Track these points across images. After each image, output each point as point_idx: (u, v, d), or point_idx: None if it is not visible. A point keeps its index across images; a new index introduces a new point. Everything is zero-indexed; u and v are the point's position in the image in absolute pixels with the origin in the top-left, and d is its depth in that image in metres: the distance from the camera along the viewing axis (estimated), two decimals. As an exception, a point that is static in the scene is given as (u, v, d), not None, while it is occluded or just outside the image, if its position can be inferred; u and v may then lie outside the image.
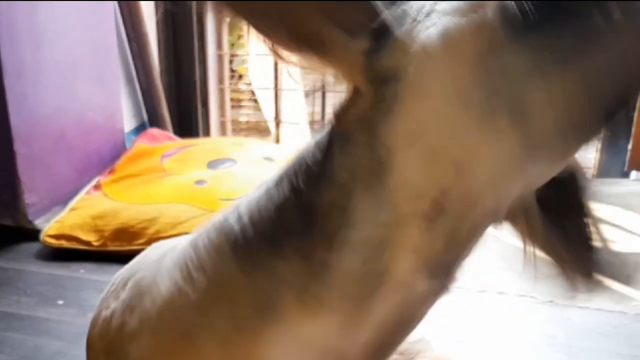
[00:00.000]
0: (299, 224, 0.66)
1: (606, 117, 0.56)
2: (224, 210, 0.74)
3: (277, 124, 3.23)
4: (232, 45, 3.54)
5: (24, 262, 1.97)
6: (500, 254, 2.02)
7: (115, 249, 1.99)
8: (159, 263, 0.79)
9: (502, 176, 0.60)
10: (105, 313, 0.86)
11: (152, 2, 2.94)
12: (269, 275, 0.67)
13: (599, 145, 3.19)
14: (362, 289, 0.65)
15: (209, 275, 0.71)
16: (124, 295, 0.83)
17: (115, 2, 2.71)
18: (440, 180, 0.60)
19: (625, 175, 3.04)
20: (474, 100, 0.56)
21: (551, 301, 1.74)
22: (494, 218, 0.65)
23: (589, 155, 3.51)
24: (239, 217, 0.70)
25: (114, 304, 0.85)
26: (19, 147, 2.10)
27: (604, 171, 3.14)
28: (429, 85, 0.58)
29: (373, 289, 0.65)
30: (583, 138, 0.59)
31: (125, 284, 0.84)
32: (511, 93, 0.55)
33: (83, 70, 2.41)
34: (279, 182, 0.69)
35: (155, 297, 0.76)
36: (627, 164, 3.02)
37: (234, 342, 0.69)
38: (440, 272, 0.67)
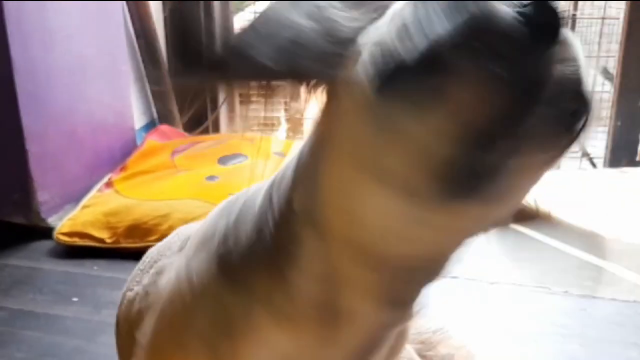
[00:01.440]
0: (270, 243, 0.68)
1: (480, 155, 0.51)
2: (214, 216, 0.78)
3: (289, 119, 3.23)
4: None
5: (38, 260, 1.98)
6: (513, 245, 2.03)
7: (128, 246, 2.00)
8: (172, 257, 0.81)
9: (398, 225, 0.58)
10: (130, 295, 0.91)
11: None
12: (247, 292, 0.69)
13: (610, 136, 3.19)
14: (324, 314, 0.67)
15: (198, 287, 0.74)
16: (145, 279, 0.86)
17: (124, 1, 2.72)
18: (346, 230, 0.61)
19: (636, 165, 3.03)
20: (357, 154, 0.56)
21: (565, 292, 1.74)
22: (436, 261, 0.64)
23: (599, 144, 3.50)
24: (225, 229, 0.73)
25: (136, 288, 0.90)
26: (30, 145, 2.10)
27: (614, 161, 3.13)
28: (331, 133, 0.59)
29: (334, 316, 0.67)
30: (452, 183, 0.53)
31: (151, 267, 0.87)
32: (372, 148, 0.54)
33: (93, 69, 2.41)
34: (262, 197, 0.71)
35: (160, 293, 0.79)
36: (638, 154, 3.02)
37: (219, 348, 0.72)
38: (398, 304, 0.67)
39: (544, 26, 0.48)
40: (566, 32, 0.52)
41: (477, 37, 0.47)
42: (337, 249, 0.63)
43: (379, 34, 0.53)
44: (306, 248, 0.65)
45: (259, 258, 0.68)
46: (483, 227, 0.62)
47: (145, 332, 0.81)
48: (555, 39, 0.49)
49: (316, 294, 0.66)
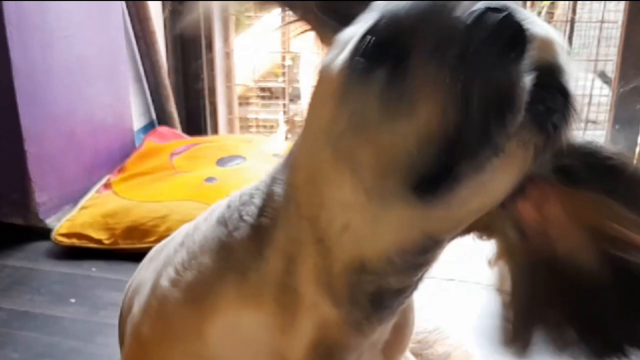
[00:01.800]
0: (256, 216, 0.70)
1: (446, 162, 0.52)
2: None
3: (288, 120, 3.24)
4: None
5: (36, 261, 1.99)
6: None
7: (126, 247, 2.00)
8: (168, 251, 0.82)
9: (357, 218, 0.60)
10: (133, 284, 0.91)
11: (159, 1, 2.94)
12: (225, 259, 0.71)
13: (608, 140, 3.19)
14: (285, 297, 0.68)
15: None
16: (144, 272, 0.86)
17: (123, 2, 2.72)
18: (312, 207, 0.62)
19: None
20: (332, 139, 0.57)
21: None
22: (396, 259, 0.63)
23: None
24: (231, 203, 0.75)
25: (138, 277, 0.90)
26: (29, 146, 2.10)
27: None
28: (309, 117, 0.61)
29: (295, 302, 0.68)
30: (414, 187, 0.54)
31: (150, 260, 0.88)
32: (343, 137, 0.55)
33: (92, 70, 2.42)
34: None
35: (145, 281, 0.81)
36: (636, 157, 3.02)
37: (187, 316, 0.73)
38: (353, 306, 0.67)
39: (508, 39, 0.48)
40: (544, 34, 0.53)
41: (443, 41, 0.49)
42: (304, 231, 0.64)
43: (356, 28, 0.56)
44: (282, 227, 0.67)
45: (244, 230, 0.70)
46: (448, 231, 0.63)
47: (130, 320, 0.82)
48: (521, 49, 0.49)
49: (281, 275, 0.67)
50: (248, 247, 0.69)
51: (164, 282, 0.76)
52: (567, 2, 3.68)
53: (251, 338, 0.71)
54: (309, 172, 0.62)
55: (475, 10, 0.48)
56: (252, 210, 0.71)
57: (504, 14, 0.48)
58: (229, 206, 0.74)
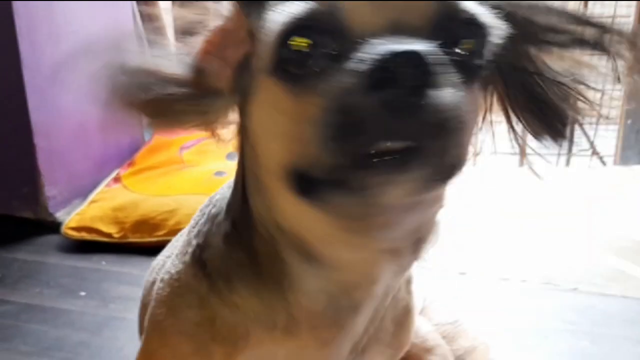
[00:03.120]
0: (245, 261, 0.72)
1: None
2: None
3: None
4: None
5: (45, 255, 1.98)
6: (522, 242, 2.02)
7: (135, 241, 1.99)
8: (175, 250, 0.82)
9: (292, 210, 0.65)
10: (147, 281, 0.95)
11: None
12: (234, 312, 0.72)
13: (620, 134, 3.17)
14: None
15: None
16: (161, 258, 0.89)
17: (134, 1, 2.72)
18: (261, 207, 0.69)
19: (647, 162, 3.02)
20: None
21: (575, 289, 1.73)
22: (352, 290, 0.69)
23: (610, 143, 3.48)
24: (198, 246, 0.77)
25: (153, 275, 0.91)
26: (39, 140, 2.11)
27: (624, 159, 3.11)
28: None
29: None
30: None
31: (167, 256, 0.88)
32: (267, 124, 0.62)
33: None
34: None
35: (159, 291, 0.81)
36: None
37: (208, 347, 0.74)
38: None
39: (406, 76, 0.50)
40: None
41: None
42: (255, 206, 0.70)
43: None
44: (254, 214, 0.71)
45: (235, 274, 0.73)
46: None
47: (147, 319, 0.81)
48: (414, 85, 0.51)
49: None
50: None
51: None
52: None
53: None
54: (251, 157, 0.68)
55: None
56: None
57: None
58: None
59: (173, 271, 0.78)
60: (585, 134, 3.59)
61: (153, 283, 0.88)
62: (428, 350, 1.00)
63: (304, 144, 0.55)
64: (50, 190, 2.17)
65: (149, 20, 2.79)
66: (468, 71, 0.57)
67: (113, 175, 2.40)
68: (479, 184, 2.39)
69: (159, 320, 0.77)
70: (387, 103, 0.50)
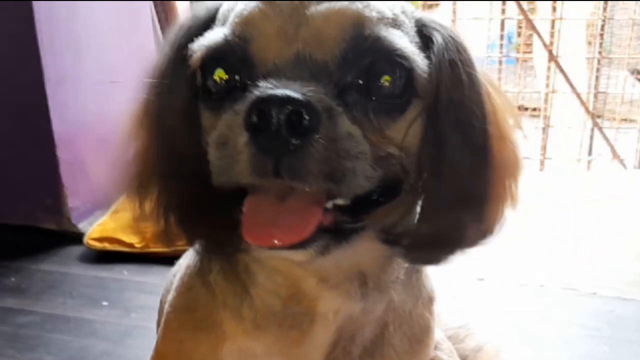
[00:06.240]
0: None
1: None
2: None
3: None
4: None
5: (68, 265, 2.01)
6: (541, 247, 2.01)
7: (157, 251, 2.01)
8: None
9: None
10: (173, 270, 1.00)
11: (188, 1, 2.97)
12: (211, 295, 0.79)
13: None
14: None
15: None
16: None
17: (152, 8, 2.74)
18: None
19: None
20: None
21: (594, 293, 1.72)
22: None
23: (630, 146, 3.46)
24: None
25: (176, 268, 0.97)
26: (61, 153, 2.14)
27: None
28: None
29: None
30: None
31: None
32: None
33: (122, 76, 2.43)
34: None
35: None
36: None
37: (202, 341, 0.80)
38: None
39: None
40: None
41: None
42: None
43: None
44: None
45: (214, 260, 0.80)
46: None
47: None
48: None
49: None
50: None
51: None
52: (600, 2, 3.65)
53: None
54: None
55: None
56: None
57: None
58: None
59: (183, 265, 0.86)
60: (605, 137, 3.57)
61: (168, 291, 0.91)
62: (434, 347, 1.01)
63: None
64: (73, 201, 2.19)
65: (169, 27, 2.81)
66: (390, 103, 0.62)
67: (134, 185, 2.41)
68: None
69: (166, 312, 0.85)
70: (256, 142, 0.56)
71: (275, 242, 0.59)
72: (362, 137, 0.59)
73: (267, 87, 0.56)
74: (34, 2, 1.99)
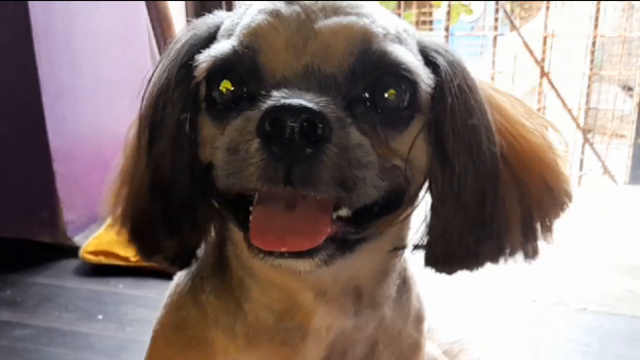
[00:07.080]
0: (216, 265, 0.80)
1: None
2: None
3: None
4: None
5: (64, 279, 2.02)
6: (530, 262, 2.03)
7: (152, 264, 2.02)
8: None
9: None
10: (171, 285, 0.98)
11: (185, 8, 3.00)
12: (202, 314, 0.80)
13: (631, 152, 3.18)
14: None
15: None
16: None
17: (148, 22, 2.76)
18: None
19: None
20: None
21: (584, 308, 1.74)
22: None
23: (620, 161, 3.48)
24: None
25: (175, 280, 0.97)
26: (58, 166, 2.15)
27: (635, 177, 3.12)
28: None
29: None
30: None
31: None
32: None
33: (119, 90, 2.45)
34: None
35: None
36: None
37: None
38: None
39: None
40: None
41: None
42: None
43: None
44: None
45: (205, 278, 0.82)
46: None
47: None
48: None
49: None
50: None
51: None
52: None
53: None
54: None
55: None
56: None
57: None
58: None
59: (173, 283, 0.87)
60: (596, 153, 3.60)
61: None
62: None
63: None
64: (69, 215, 2.21)
65: (165, 41, 2.83)
66: (395, 117, 0.64)
67: (130, 199, 2.42)
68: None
69: (154, 329, 0.86)
70: (268, 149, 0.57)
71: (285, 248, 0.60)
72: (371, 148, 0.61)
73: (282, 97, 0.58)
74: (31, 16, 2.01)
